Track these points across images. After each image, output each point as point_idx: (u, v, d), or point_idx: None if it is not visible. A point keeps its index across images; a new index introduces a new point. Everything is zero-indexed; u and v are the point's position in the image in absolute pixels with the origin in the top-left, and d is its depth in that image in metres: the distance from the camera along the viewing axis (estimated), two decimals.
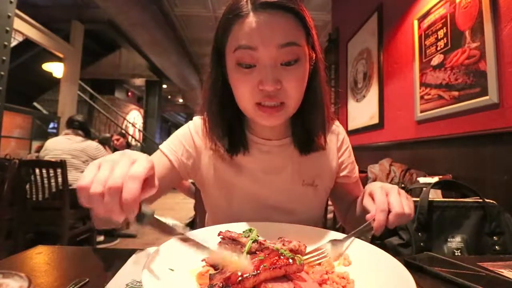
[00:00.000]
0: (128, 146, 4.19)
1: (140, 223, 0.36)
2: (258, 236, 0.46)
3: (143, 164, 0.35)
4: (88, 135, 2.71)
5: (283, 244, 0.47)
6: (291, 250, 0.46)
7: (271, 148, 0.69)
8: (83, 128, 2.68)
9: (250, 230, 0.48)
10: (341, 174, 0.75)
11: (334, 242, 0.50)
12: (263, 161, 0.69)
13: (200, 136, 0.71)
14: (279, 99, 0.56)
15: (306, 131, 0.67)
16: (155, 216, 0.37)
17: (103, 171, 0.34)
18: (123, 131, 6.79)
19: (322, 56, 0.64)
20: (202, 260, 0.45)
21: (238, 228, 0.51)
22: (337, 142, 0.75)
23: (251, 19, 0.53)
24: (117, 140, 4.08)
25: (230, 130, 0.66)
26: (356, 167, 0.79)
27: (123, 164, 0.34)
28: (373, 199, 0.53)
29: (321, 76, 0.64)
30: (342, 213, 0.81)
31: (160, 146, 0.70)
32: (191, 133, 0.71)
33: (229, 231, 0.48)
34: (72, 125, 2.65)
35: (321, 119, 0.66)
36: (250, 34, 0.53)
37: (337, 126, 0.77)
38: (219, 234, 0.48)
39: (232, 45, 0.56)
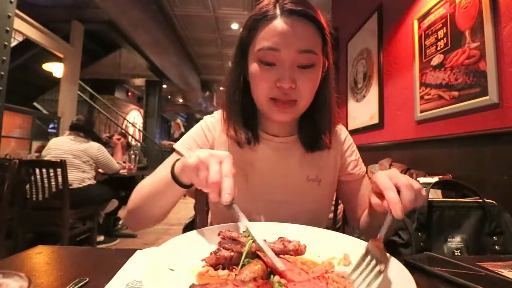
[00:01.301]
0: (129, 146, 4.19)
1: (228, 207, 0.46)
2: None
3: (229, 162, 0.46)
4: (89, 136, 2.71)
5: (283, 244, 0.47)
6: (291, 250, 0.46)
7: (278, 144, 0.73)
8: (84, 130, 2.68)
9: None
10: (345, 172, 0.78)
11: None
12: (270, 157, 0.73)
13: (211, 131, 0.76)
14: (292, 97, 0.62)
15: (313, 129, 0.72)
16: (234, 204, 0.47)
17: (202, 173, 0.46)
18: (123, 131, 6.78)
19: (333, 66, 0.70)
20: (202, 260, 0.45)
21: (238, 228, 0.51)
22: (339, 141, 0.79)
23: (277, 23, 0.59)
24: (118, 139, 4.08)
25: (246, 121, 0.71)
26: (362, 166, 0.81)
27: (214, 164, 0.45)
28: (376, 192, 0.49)
29: (331, 83, 0.70)
30: (354, 217, 0.79)
31: (175, 146, 0.74)
32: (203, 130, 0.76)
33: (229, 231, 0.48)
34: (73, 127, 2.67)
35: (328, 120, 0.71)
36: (275, 36, 0.59)
37: (339, 128, 0.81)
38: (219, 234, 0.48)
39: (257, 44, 0.62)
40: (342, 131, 0.81)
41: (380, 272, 0.37)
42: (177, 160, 0.56)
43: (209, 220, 0.86)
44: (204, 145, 0.74)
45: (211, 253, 0.45)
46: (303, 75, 0.61)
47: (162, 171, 0.60)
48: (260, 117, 0.75)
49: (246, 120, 0.71)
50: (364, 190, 0.78)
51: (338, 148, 0.78)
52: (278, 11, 0.60)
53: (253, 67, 0.63)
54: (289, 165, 0.73)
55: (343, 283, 0.40)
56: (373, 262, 0.39)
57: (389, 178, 0.46)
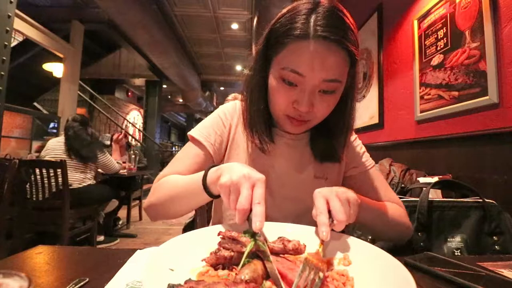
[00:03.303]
0: (129, 146, 4.18)
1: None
2: (259, 236, 0.46)
3: (261, 187, 0.46)
4: (88, 159, 2.63)
5: (283, 244, 0.47)
6: (291, 250, 0.46)
7: (289, 140, 0.75)
8: (81, 156, 2.57)
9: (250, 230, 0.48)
10: (351, 166, 0.80)
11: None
12: (282, 152, 0.74)
13: (228, 119, 0.76)
14: (306, 118, 0.63)
15: (327, 144, 0.72)
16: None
17: (232, 196, 0.48)
18: (124, 131, 6.78)
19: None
20: (202, 260, 0.45)
21: (238, 227, 0.51)
22: None
23: (307, 46, 0.55)
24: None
25: (267, 124, 0.71)
26: (368, 159, 0.81)
27: (246, 188, 0.46)
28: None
29: (352, 103, 0.68)
30: None
31: (190, 133, 0.73)
32: (221, 118, 0.76)
33: (229, 231, 0.48)
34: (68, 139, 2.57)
35: (343, 138, 0.71)
36: (302, 60, 0.56)
37: None
38: (219, 234, 0.48)
39: (281, 59, 0.59)
40: None
41: (320, 278, 0.38)
42: (211, 167, 0.56)
43: (211, 220, 0.86)
44: (222, 133, 0.75)
45: (211, 253, 0.45)
46: (322, 100, 0.60)
47: (193, 177, 0.60)
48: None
49: (267, 123, 0.71)
50: (375, 183, 0.78)
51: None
52: (311, 31, 0.55)
53: (274, 82, 0.62)
54: (298, 162, 0.75)
55: (343, 280, 0.40)
56: (312, 272, 0.39)
57: (324, 200, 0.50)
